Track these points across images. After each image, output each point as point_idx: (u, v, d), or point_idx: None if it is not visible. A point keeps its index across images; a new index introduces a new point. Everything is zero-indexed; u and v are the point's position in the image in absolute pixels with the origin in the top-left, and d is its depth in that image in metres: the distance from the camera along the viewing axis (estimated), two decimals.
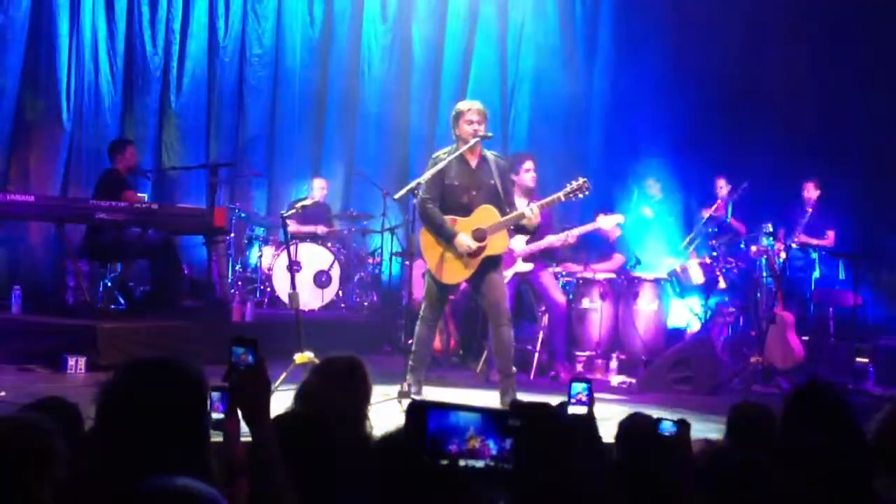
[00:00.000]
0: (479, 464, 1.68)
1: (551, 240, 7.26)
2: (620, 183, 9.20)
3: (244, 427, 2.15)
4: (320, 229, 9.36)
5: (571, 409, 2.74)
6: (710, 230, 8.38)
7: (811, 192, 8.54)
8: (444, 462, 1.66)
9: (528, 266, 7.29)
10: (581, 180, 5.89)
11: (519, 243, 7.18)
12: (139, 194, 7.92)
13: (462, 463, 1.67)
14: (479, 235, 5.71)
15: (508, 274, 7.00)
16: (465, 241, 5.66)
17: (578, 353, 7.67)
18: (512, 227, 5.90)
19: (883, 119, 9.35)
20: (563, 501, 1.84)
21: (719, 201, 8.48)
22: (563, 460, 1.76)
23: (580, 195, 5.89)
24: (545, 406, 2.50)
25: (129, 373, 1.92)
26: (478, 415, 1.70)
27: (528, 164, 7.28)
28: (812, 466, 2.19)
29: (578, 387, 2.81)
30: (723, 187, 8.58)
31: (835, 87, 9.76)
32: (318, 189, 9.47)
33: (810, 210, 8.40)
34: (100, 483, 1.81)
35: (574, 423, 2.63)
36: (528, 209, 5.76)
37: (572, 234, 7.26)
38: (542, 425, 1.96)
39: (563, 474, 1.75)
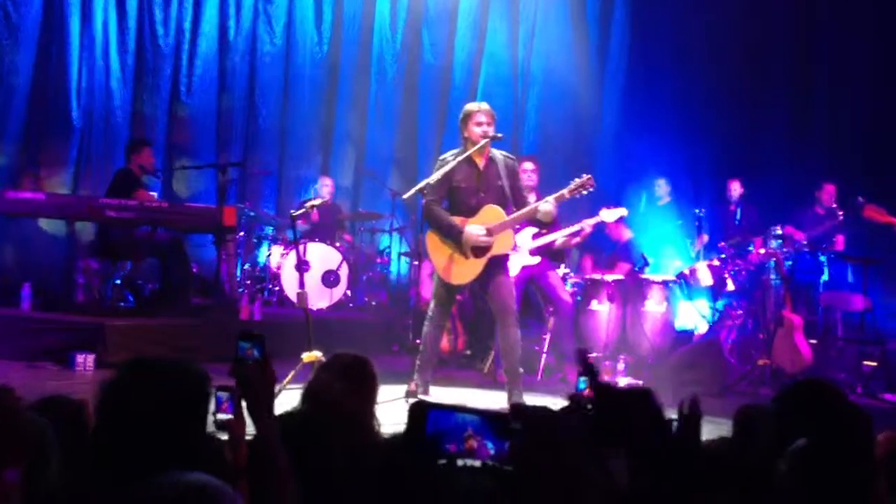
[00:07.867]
0: (477, 463, 1.69)
1: (556, 236, 7.25)
2: (630, 184, 9.18)
3: (250, 428, 2.16)
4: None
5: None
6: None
7: (827, 195, 8.51)
8: (442, 461, 1.67)
9: (536, 259, 7.27)
10: (585, 177, 5.86)
11: (525, 239, 7.18)
12: (150, 192, 7.94)
13: (460, 462, 1.68)
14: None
15: (516, 266, 6.98)
16: (474, 231, 5.63)
17: None
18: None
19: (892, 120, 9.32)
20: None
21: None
22: (563, 463, 1.76)
23: (584, 192, 5.86)
24: (546, 410, 2.49)
25: (131, 371, 1.93)
26: (476, 416, 1.71)
27: (527, 165, 7.29)
28: (811, 462, 2.18)
29: (582, 382, 2.75)
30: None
31: (842, 87, 9.74)
32: (322, 187, 9.52)
33: (823, 213, 8.38)
34: (102, 480, 1.82)
35: (574, 430, 2.60)
36: (544, 202, 5.75)
37: (588, 224, 7.21)
38: (541, 429, 1.95)
39: (563, 477, 1.75)
